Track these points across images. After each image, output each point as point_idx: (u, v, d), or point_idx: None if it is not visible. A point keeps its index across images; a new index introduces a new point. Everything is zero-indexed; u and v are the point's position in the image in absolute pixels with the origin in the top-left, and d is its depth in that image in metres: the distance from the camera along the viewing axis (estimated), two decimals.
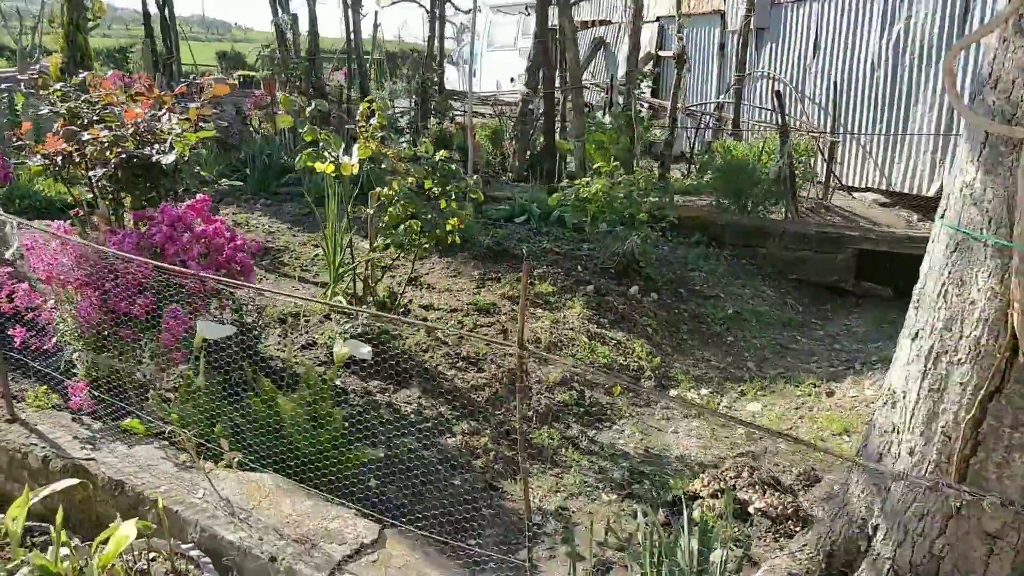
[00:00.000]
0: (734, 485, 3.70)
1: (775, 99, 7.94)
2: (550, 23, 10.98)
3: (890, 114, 11.89)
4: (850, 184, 11.48)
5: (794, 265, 7.65)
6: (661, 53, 15.96)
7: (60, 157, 4.88)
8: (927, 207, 11.17)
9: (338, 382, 4.57)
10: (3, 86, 10.86)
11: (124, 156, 4.30)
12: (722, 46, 14.51)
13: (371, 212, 5.09)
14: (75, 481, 2.83)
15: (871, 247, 7.38)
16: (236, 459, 2.90)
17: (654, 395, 5.02)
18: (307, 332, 4.93)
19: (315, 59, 10.25)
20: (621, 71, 16.64)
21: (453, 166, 4.98)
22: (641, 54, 16.59)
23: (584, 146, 8.04)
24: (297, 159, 4.80)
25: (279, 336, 4.88)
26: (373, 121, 4.96)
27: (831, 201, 9.95)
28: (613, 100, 8.12)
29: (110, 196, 4.95)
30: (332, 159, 4.82)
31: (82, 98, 4.94)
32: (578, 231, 7.54)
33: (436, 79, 13.76)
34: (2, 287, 3.46)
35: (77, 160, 4.89)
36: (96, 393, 3.51)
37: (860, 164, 12.18)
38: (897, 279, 7.55)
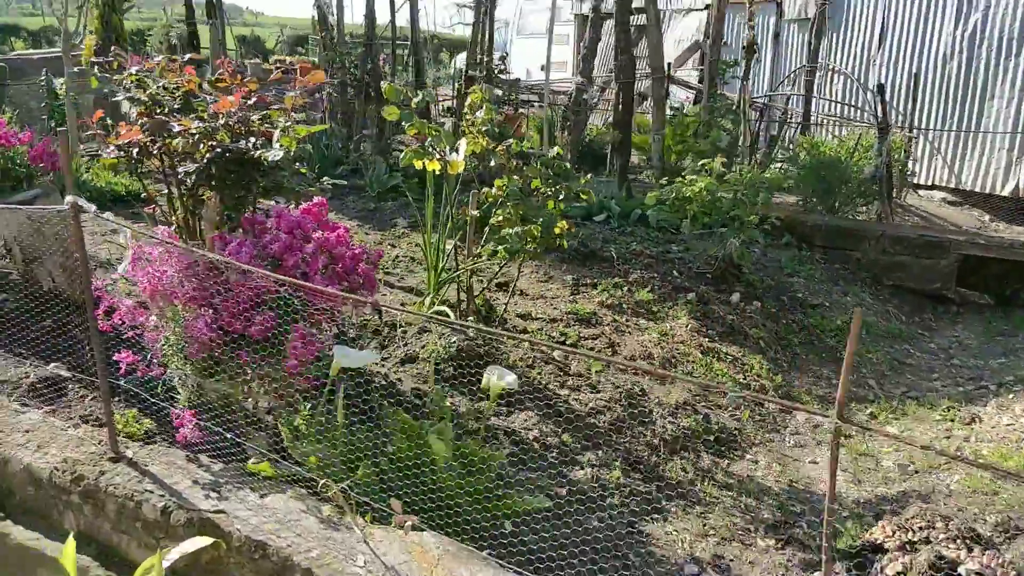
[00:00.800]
0: (927, 537, 3.24)
1: (876, 92, 7.41)
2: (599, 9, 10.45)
3: (962, 109, 11.34)
4: (915, 181, 10.95)
5: (891, 270, 7.15)
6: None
7: (136, 149, 4.44)
8: (1000, 207, 10.65)
9: (447, 402, 4.13)
10: (41, 70, 10.42)
11: (219, 150, 3.83)
12: (776, 35, 13.96)
13: (473, 214, 4.62)
14: (207, 541, 2.39)
15: (979, 252, 6.88)
16: (410, 524, 2.44)
17: (857, 426, 4.55)
18: (405, 344, 4.48)
19: (372, 44, 9.72)
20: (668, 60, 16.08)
21: (567, 164, 4.51)
22: (688, 44, 16.08)
23: (663, 140, 7.55)
24: (403, 156, 4.33)
25: (375, 349, 4.43)
26: (480, 114, 4.49)
27: (904, 200, 9.45)
28: (705, 92, 7.60)
29: (189, 195, 4.50)
30: (438, 156, 4.36)
31: (160, 83, 4.48)
32: (662, 231, 7.07)
33: (483, 67, 13.26)
34: (100, 302, 3.01)
35: (155, 153, 4.44)
36: (207, 425, 3.07)
37: (927, 161, 11.64)
38: (1003, 286, 7.06)
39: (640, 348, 4.91)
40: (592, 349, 4.82)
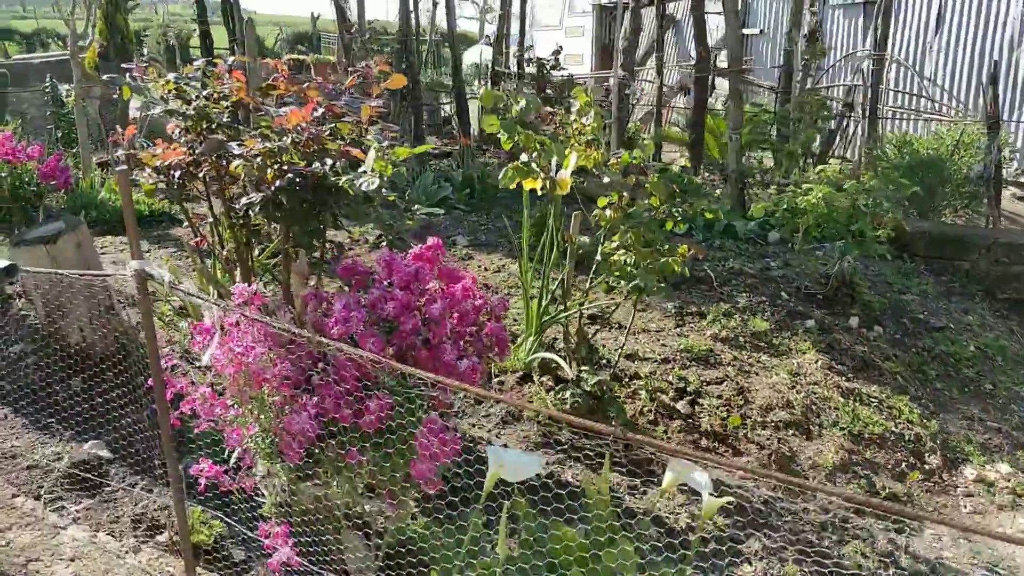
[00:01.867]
0: None
1: (990, 83, 6.65)
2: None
3: None
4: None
5: (1005, 282, 6.40)
6: (745, 31, 14.63)
7: (179, 172, 3.69)
8: None
9: (567, 476, 3.40)
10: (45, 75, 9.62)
11: (290, 176, 3.08)
12: (819, 21, 13.19)
13: (583, 240, 3.87)
14: None
15: None
16: None
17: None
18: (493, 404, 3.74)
19: (407, 40, 8.93)
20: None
21: (696, 179, 3.75)
22: (720, 35, 15.28)
23: (740, 141, 6.79)
24: (502, 175, 3.57)
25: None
26: (589, 120, 3.74)
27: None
28: (798, 85, 6.82)
29: (241, 226, 3.75)
30: (542, 173, 3.60)
31: (202, 92, 3.73)
32: (752, 243, 6.31)
33: (503, 60, 12.51)
34: (167, 386, 2.26)
35: (201, 177, 3.69)
36: (305, 539, 2.32)
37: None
38: None
39: (774, 394, 4.15)
40: (720, 397, 4.07)
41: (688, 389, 4.10)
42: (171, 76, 3.81)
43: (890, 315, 5.46)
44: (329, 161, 3.20)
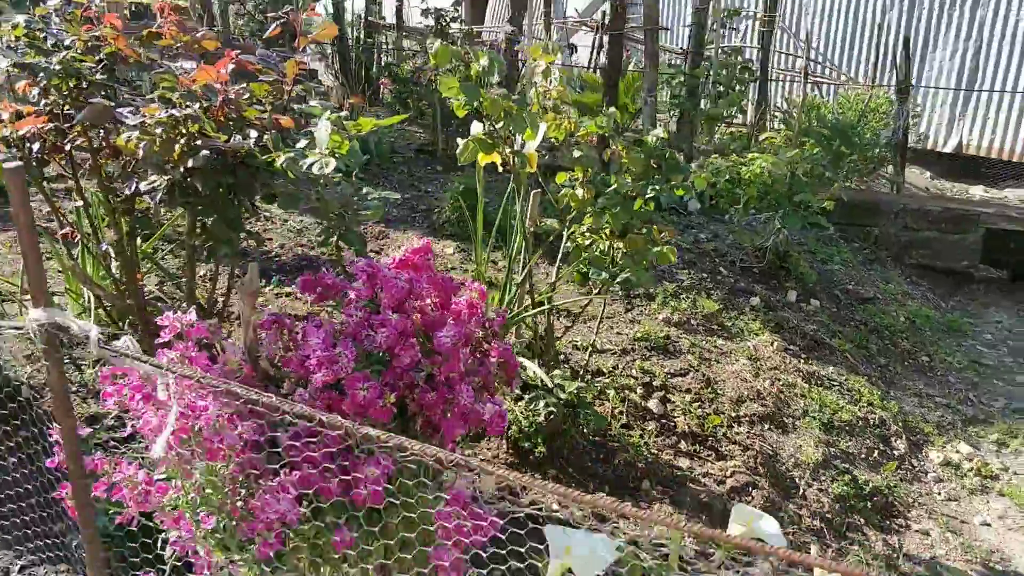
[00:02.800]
0: None
1: (903, 48, 6.60)
2: None
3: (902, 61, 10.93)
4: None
5: (912, 247, 6.47)
6: None
7: (38, 144, 2.86)
8: (939, 164, 10.35)
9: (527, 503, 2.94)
10: None
11: (206, 152, 2.36)
12: None
13: (551, 224, 3.37)
14: None
15: (1008, 226, 6.28)
16: None
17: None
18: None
19: None
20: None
21: (676, 154, 3.31)
22: None
23: (655, 104, 6.44)
24: (460, 149, 2.97)
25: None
26: (554, 83, 3.21)
27: None
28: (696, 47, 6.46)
29: (125, 211, 2.98)
30: (507, 146, 3.05)
31: (64, 39, 2.90)
32: (675, 213, 6.01)
33: (376, 11, 11.60)
34: (95, 474, 1.57)
35: (69, 150, 2.89)
36: None
37: None
38: (1018, 260, 6.53)
39: (741, 384, 3.85)
40: (688, 392, 3.71)
41: (655, 384, 3.71)
42: (20, 18, 2.93)
43: (822, 287, 5.32)
44: (253, 133, 2.51)
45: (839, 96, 7.92)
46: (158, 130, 2.43)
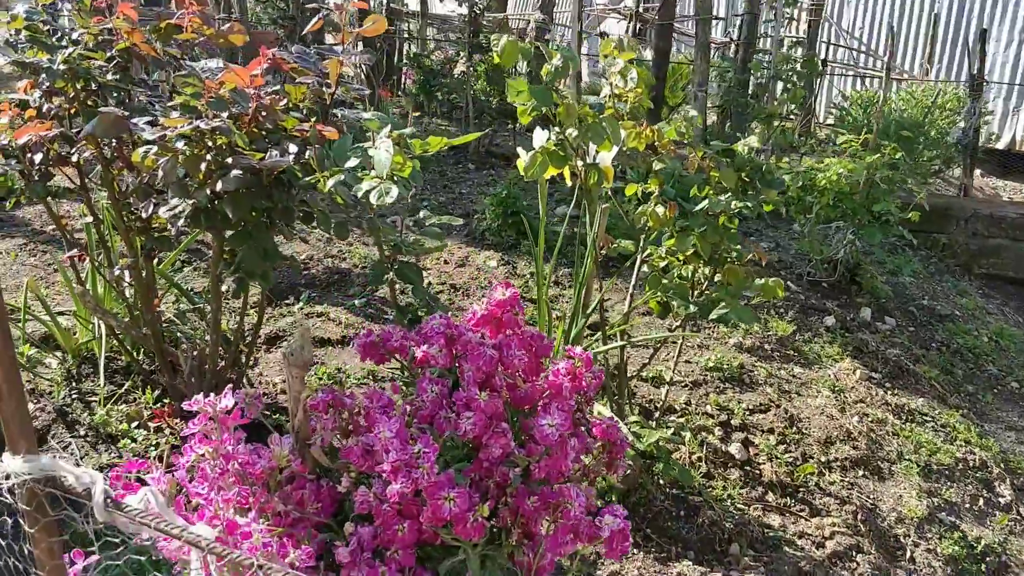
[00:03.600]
0: None
1: (977, 40, 6.11)
2: None
3: (952, 54, 10.39)
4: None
5: (983, 256, 6.00)
6: None
7: (40, 155, 2.48)
8: (990, 161, 9.83)
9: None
10: None
11: (238, 172, 1.96)
12: None
13: (621, 245, 2.95)
14: None
15: None
16: None
17: None
18: None
19: None
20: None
21: (771, 166, 2.87)
22: None
23: (706, 98, 5.99)
24: (527, 163, 2.55)
25: None
26: (632, 83, 2.77)
27: None
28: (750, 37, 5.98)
29: (143, 230, 2.59)
30: (578, 158, 2.64)
31: (72, 34, 2.50)
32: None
33: None
34: None
35: (78, 161, 2.50)
36: None
37: None
38: None
39: (828, 422, 3.43)
40: (772, 432, 3.30)
41: (733, 423, 3.30)
42: (19, 9, 2.53)
43: (896, 303, 4.88)
44: (292, 147, 2.10)
45: (901, 92, 7.42)
46: (180, 143, 2.03)
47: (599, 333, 2.95)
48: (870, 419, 3.57)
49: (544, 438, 1.42)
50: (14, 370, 0.80)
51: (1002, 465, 3.63)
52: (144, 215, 2.29)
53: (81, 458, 2.64)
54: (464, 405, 1.48)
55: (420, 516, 1.37)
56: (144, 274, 2.72)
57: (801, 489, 3.06)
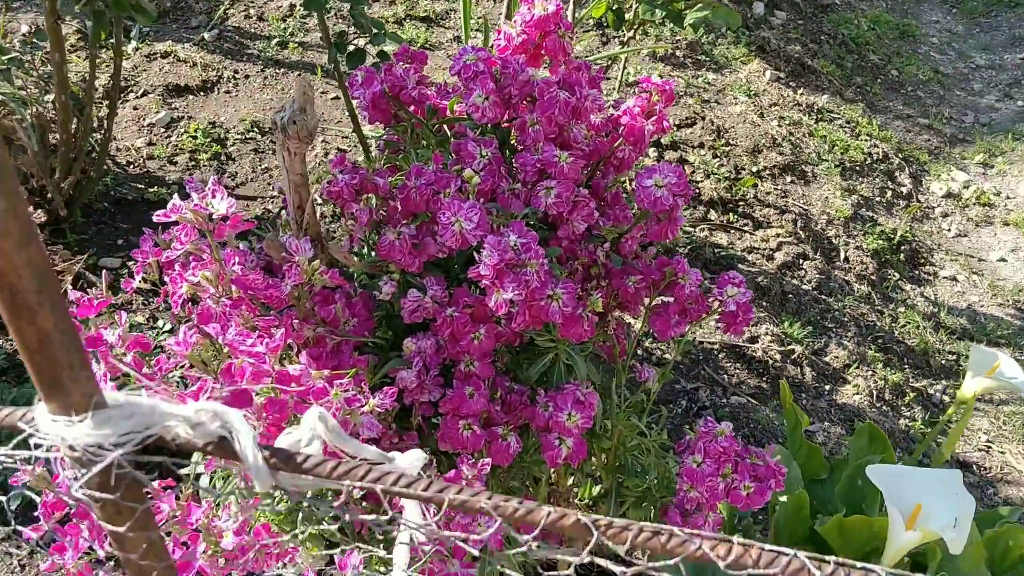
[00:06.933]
0: None
1: None
2: None
3: None
4: None
5: None
6: None
7: None
8: None
9: None
10: None
11: None
12: None
13: None
14: None
15: None
16: None
17: None
18: None
19: None
20: None
21: None
22: None
23: None
24: None
25: None
26: None
27: None
28: None
29: None
30: None
31: None
32: None
33: None
34: None
35: None
36: None
37: None
38: None
39: (751, 129, 3.30)
40: (703, 147, 3.13)
41: (664, 142, 3.09)
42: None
43: None
44: None
45: None
46: None
47: None
48: (787, 122, 3.49)
49: (655, 203, 1.09)
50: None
51: (900, 156, 3.73)
52: None
53: None
54: (537, 171, 1.11)
55: (514, 320, 1.05)
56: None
57: (740, 203, 2.98)
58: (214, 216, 0.91)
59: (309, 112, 1.00)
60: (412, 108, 1.20)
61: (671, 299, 1.17)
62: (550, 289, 1.02)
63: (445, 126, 1.25)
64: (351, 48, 1.70)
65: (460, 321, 1.08)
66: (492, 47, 1.26)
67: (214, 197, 0.93)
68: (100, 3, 1.62)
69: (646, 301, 1.18)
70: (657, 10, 2.30)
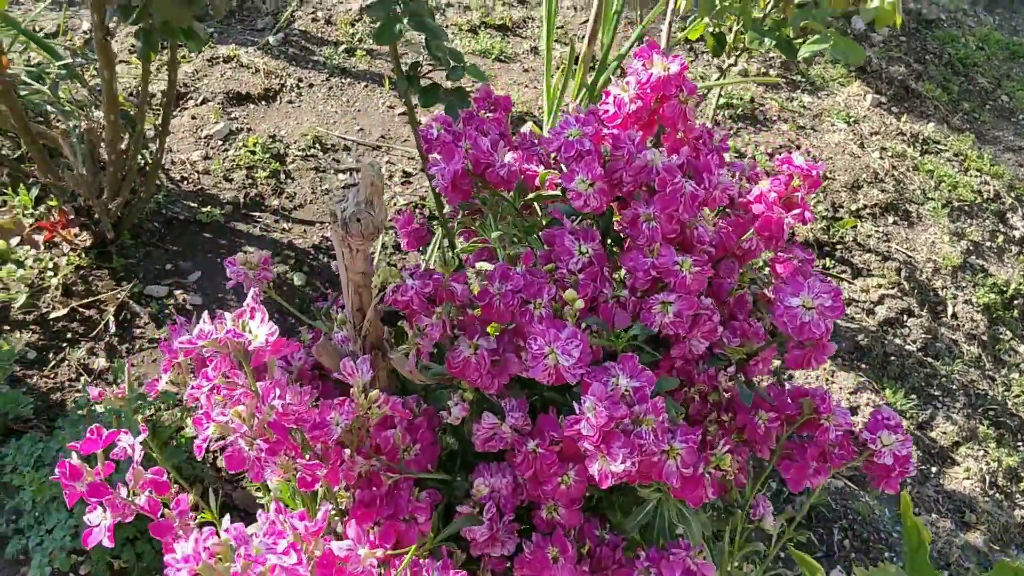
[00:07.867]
0: None
1: None
2: None
3: None
4: None
5: None
6: None
7: None
8: None
9: None
10: None
11: None
12: None
13: None
14: None
15: None
16: None
17: None
18: None
19: None
20: None
21: None
22: None
23: None
24: None
25: None
26: None
27: None
28: None
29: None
30: None
31: None
32: None
33: None
34: None
35: None
36: None
37: None
38: None
39: (851, 162, 3.02)
40: None
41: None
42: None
43: None
44: None
45: None
46: None
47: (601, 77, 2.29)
48: (890, 154, 3.18)
49: (800, 329, 0.86)
50: None
51: (1012, 194, 3.39)
52: None
53: None
54: (651, 279, 0.89)
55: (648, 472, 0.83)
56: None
57: (839, 247, 2.70)
58: (251, 348, 0.72)
59: (377, 206, 0.80)
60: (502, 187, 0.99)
61: (808, 440, 0.94)
62: (666, 443, 0.80)
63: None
64: (424, 82, 1.50)
65: (545, 460, 0.87)
66: (597, 108, 1.04)
67: (252, 318, 0.73)
68: (150, 23, 1.46)
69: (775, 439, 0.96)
70: (766, 39, 2.04)
